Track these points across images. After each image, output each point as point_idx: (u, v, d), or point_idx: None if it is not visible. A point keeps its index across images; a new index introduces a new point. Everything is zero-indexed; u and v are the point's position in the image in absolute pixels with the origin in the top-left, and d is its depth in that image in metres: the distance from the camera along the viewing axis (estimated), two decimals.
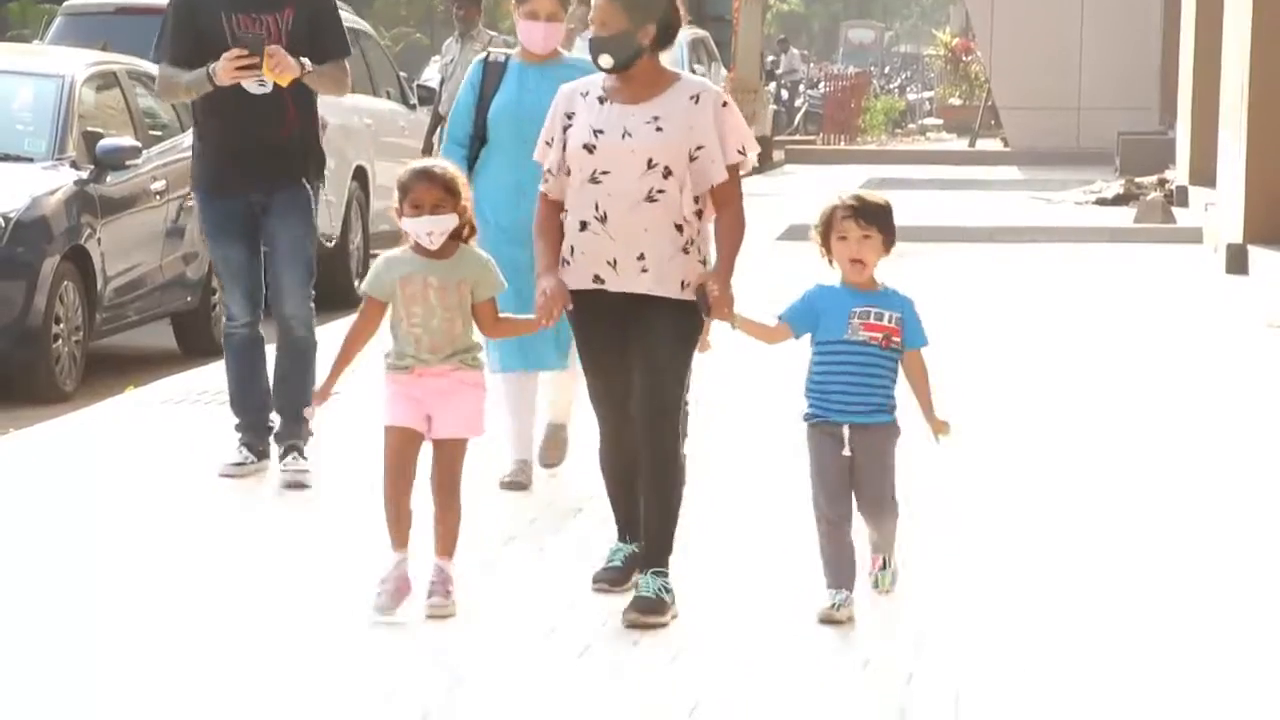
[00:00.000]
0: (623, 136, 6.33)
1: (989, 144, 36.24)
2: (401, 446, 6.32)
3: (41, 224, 11.61)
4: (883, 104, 43.23)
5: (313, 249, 8.71)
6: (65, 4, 18.66)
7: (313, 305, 8.69)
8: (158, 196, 12.74)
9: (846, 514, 6.28)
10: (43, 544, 7.64)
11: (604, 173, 6.34)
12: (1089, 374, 12.26)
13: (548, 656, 6.14)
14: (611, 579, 6.59)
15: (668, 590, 6.47)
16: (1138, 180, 24.51)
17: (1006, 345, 13.56)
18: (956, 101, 40.77)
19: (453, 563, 6.45)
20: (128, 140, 12.31)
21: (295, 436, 8.41)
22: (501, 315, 6.48)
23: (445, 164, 6.50)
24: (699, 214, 6.44)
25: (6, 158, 12.04)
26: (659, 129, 6.34)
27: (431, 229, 6.25)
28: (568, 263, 6.41)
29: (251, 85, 8.16)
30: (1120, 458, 9.83)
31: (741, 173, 6.52)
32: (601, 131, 6.35)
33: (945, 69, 42.69)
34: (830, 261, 6.27)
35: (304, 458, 8.44)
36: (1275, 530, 8.23)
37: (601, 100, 6.41)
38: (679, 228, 6.37)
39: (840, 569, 6.23)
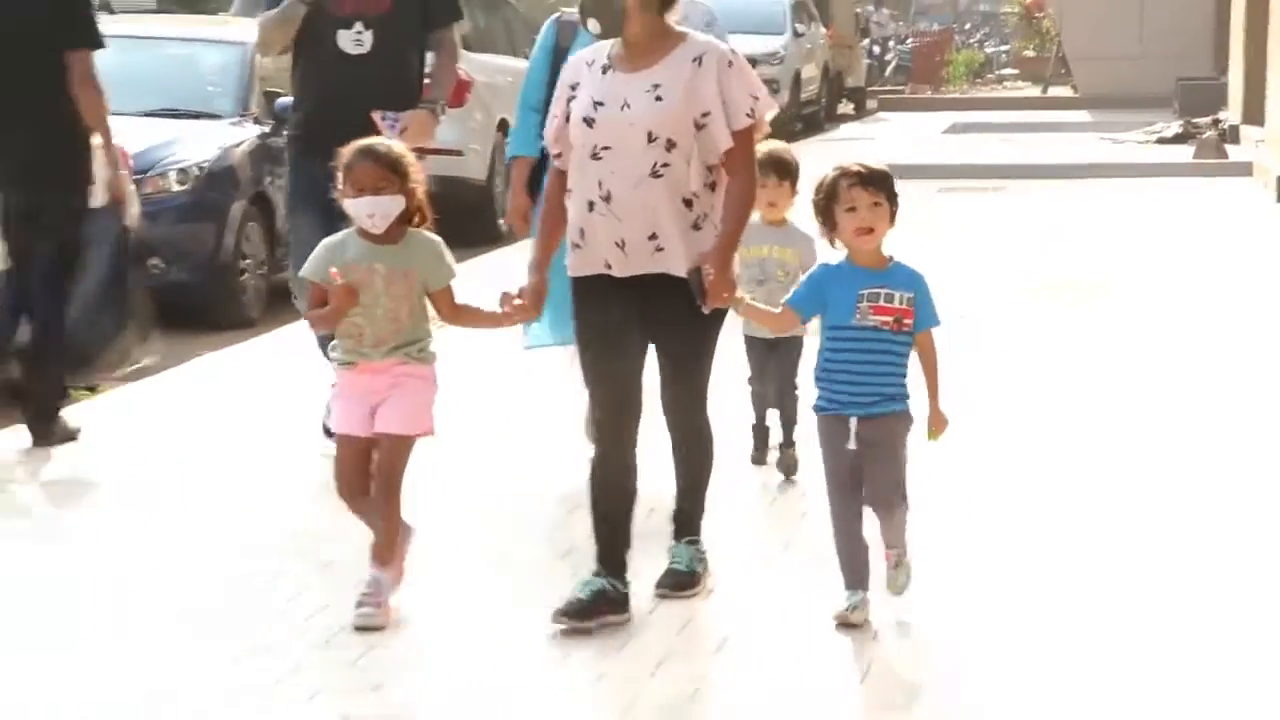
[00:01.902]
0: (622, 108, 5.36)
1: (1060, 91, 35.78)
2: (348, 457, 5.48)
3: (229, 173, 12.00)
4: (964, 57, 42.74)
5: None
6: None
7: None
8: None
9: (858, 510, 5.45)
10: (234, 448, 7.92)
11: (605, 148, 5.37)
12: (1149, 298, 12.19)
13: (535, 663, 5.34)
14: (575, 613, 5.38)
15: (700, 559, 5.79)
16: (1194, 121, 24.18)
17: (1072, 271, 13.41)
18: (1030, 53, 40.27)
19: (389, 570, 5.50)
20: None
21: None
22: (459, 304, 5.55)
23: (391, 143, 5.60)
24: (712, 186, 5.48)
25: (199, 115, 12.51)
26: (658, 98, 5.34)
27: (373, 210, 5.33)
28: (578, 246, 5.49)
29: (348, 44, 7.14)
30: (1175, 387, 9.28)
31: (759, 134, 5.57)
32: (601, 104, 5.39)
33: (1019, 24, 41.52)
34: (832, 241, 5.38)
35: None
36: None
37: (605, 69, 5.45)
38: (688, 203, 5.41)
39: (855, 568, 5.44)
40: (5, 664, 5.24)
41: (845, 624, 5.38)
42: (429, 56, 7.64)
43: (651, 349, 5.61)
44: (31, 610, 5.73)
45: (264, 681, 5.06)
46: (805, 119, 28.70)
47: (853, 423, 5.30)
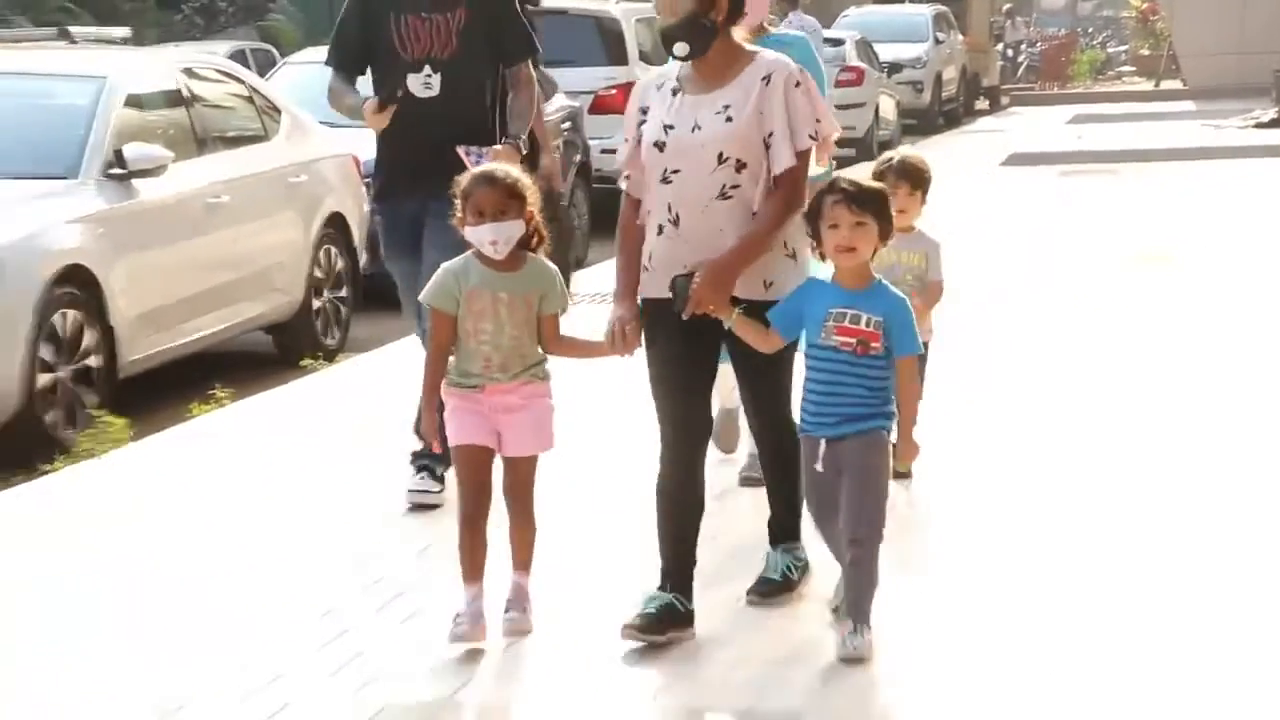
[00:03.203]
0: (692, 130, 4.92)
1: (1171, 84, 36.68)
2: (475, 464, 5.02)
3: None
4: (1088, 57, 43.71)
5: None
6: None
7: None
8: None
9: (833, 534, 4.92)
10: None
11: (674, 171, 4.93)
12: (1238, 265, 12.27)
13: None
14: (642, 627, 4.94)
15: (796, 566, 5.34)
16: None
17: (1170, 242, 13.53)
18: (1146, 52, 41.04)
19: (529, 577, 5.16)
20: None
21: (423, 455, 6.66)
22: (563, 334, 5.12)
23: (510, 169, 5.09)
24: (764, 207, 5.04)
25: None
26: (729, 119, 4.90)
27: (495, 237, 4.89)
28: (648, 269, 5.05)
29: (418, 87, 6.49)
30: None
31: (822, 160, 5.29)
32: (672, 127, 4.95)
33: (1137, 26, 41.84)
34: (821, 256, 4.85)
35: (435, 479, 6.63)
36: None
37: (675, 92, 5.02)
38: None
39: (851, 598, 4.86)
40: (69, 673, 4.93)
41: (848, 660, 4.76)
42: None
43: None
44: (82, 621, 5.34)
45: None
46: (946, 114, 30.61)
47: (821, 445, 4.81)
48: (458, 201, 5.00)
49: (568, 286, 5.24)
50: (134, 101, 9.52)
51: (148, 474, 7.35)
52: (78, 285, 8.34)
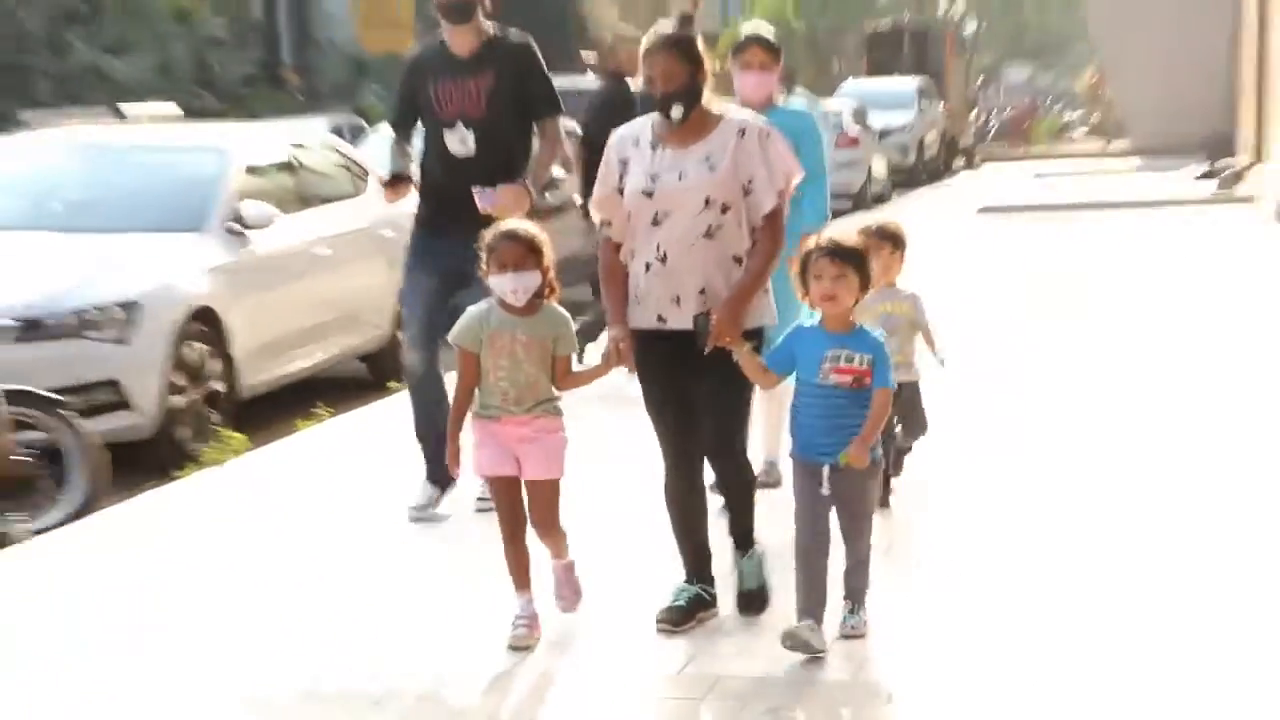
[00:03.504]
0: (679, 178, 4.81)
1: (1120, 143, 36.31)
2: (504, 490, 4.92)
3: None
4: (1046, 123, 43.07)
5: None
6: None
7: None
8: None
9: (819, 546, 4.74)
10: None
11: (665, 214, 4.82)
12: (1174, 290, 12.43)
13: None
14: (674, 619, 4.92)
15: (761, 564, 5.13)
16: (1215, 164, 24.87)
17: (1115, 272, 13.77)
18: (1097, 116, 39.68)
19: (568, 557, 5.07)
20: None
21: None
22: (571, 371, 4.97)
23: (530, 225, 4.94)
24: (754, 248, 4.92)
25: None
26: (711, 168, 4.81)
27: (516, 286, 4.78)
28: (637, 301, 4.91)
29: (455, 145, 6.29)
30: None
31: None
32: (657, 176, 4.84)
33: (1088, 95, 41.42)
34: (810, 304, 4.71)
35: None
36: None
37: (654, 146, 4.89)
38: (738, 260, 4.85)
39: (808, 598, 4.71)
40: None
41: (795, 648, 4.63)
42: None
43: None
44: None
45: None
46: (929, 171, 30.55)
47: (825, 470, 4.66)
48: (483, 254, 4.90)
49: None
50: (250, 168, 9.63)
51: (262, 480, 7.40)
52: (205, 323, 8.44)
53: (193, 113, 19.23)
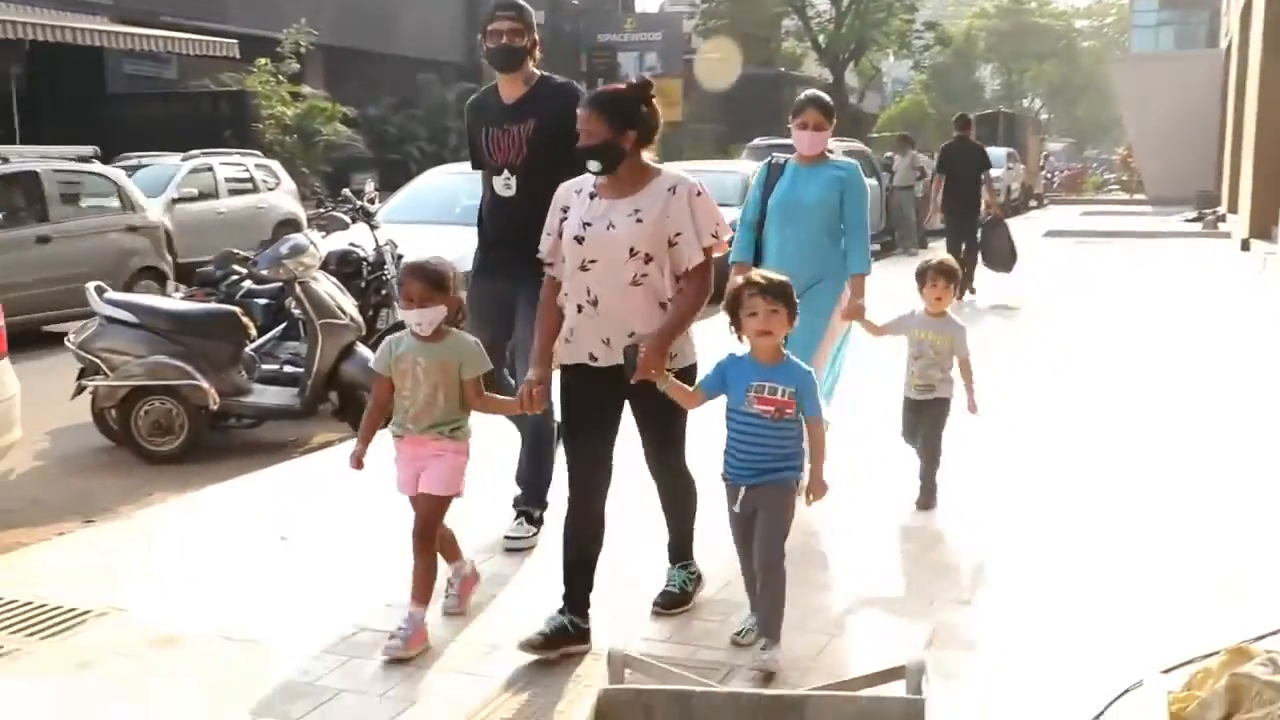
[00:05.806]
0: (608, 228, 4.76)
1: (1140, 196, 47.11)
2: (413, 506, 4.92)
3: None
4: (1091, 180, 58.14)
5: None
6: (751, 142, 22.63)
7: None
8: None
9: (749, 567, 4.71)
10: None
11: (592, 261, 4.78)
12: (1170, 290, 16.32)
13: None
14: (534, 644, 4.73)
15: (691, 580, 5.28)
16: (1203, 210, 33.51)
17: (1137, 281, 17.85)
18: (1126, 177, 53.05)
19: (426, 610, 4.87)
20: None
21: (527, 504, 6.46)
22: (486, 395, 4.91)
23: (439, 260, 4.88)
24: (681, 293, 4.85)
25: None
26: (639, 220, 4.74)
27: (420, 320, 4.78)
28: (568, 340, 4.88)
29: (500, 188, 6.19)
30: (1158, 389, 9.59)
31: (716, 254, 4.84)
32: (589, 224, 4.79)
33: (1120, 164, 56.76)
34: (740, 337, 4.62)
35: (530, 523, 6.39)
36: None
37: (592, 196, 4.86)
38: (663, 306, 4.79)
39: (761, 618, 4.63)
40: None
41: (736, 645, 4.75)
42: None
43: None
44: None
45: None
46: (1013, 209, 36.97)
47: (741, 491, 4.62)
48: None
49: None
50: None
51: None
52: None
53: None
